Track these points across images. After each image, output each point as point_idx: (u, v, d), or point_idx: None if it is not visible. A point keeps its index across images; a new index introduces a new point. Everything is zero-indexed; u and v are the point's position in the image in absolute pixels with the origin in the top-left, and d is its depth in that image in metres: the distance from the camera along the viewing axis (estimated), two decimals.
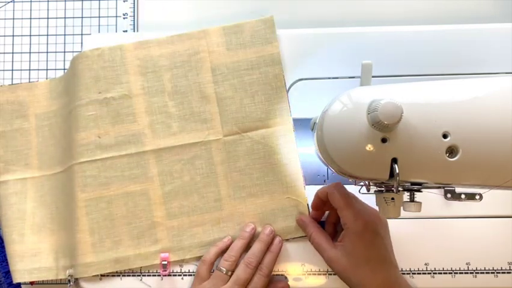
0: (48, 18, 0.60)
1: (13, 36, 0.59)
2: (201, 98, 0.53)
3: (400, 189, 0.38)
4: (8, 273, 0.55)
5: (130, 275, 0.52)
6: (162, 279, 0.52)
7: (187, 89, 0.53)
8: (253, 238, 0.51)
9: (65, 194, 0.53)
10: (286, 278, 0.51)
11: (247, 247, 0.51)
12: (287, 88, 0.54)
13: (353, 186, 0.48)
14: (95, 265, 0.51)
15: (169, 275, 0.52)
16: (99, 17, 0.59)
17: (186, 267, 0.52)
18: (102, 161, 0.52)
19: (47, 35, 0.59)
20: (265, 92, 0.53)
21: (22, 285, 0.56)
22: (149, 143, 0.53)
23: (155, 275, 0.52)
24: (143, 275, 0.52)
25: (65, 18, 0.59)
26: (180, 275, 0.52)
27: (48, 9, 0.60)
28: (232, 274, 0.48)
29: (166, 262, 0.51)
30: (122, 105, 0.53)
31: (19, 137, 0.55)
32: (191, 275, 0.52)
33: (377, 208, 0.41)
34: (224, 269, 0.48)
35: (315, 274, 0.52)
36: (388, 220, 0.51)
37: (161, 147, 0.52)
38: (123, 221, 0.52)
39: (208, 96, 0.53)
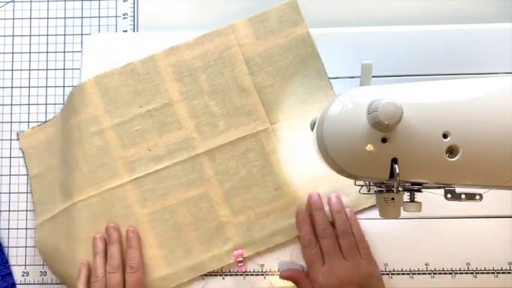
0: (48, 18, 0.60)
1: (13, 36, 0.59)
2: (241, 92, 0.53)
3: (400, 189, 0.38)
4: (5, 277, 0.55)
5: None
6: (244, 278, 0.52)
7: (225, 86, 0.53)
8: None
9: (106, 217, 0.52)
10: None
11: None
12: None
13: (353, 186, 0.48)
14: (171, 277, 0.51)
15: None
16: (99, 17, 0.59)
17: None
18: (157, 173, 0.52)
19: (47, 35, 0.59)
20: (303, 73, 0.53)
21: (18, 286, 0.56)
22: (200, 145, 0.53)
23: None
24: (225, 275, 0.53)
25: (65, 18, 0.59)
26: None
27: (48, 9, 0.60)
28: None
29: (241, 259, 0.51)
30: (166, 114, 0.53)
31: (49, 174, 0.55)
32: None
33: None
34: None
35: None
36: (388, 220, 0.51)
37: (212, 148, 0.53)
38: (190, 228, 0.52)
39: (248, 89, 0.53)
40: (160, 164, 0.53)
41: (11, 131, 0.58)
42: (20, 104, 0.59)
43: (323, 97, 0.53)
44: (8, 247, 0.57)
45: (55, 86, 0.59)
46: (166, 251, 0.52)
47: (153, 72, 0.53)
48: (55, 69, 0.59)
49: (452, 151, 0.34)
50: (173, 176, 0.52)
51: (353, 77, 0.53)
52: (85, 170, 0.53)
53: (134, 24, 0.59)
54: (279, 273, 0.52)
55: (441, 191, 0.37)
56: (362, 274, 0.47)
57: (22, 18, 0.59)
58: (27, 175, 0.57)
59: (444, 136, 0.33)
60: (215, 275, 0.53)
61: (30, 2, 0.60)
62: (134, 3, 0.59)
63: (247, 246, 0.52)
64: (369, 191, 0.42)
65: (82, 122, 0.53)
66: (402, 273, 0.51)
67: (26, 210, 0.57)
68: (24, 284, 0.56)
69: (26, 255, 0.56)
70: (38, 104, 0.58)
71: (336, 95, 0.37)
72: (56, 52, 0.59)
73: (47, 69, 0.59)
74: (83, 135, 0.53)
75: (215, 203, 0.52)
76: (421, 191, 0.39)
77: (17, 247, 0.57)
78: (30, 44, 0.59)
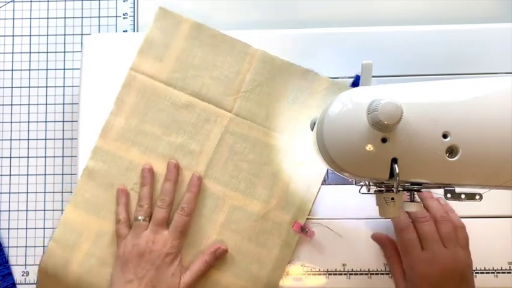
0: (48, 18, 0.60)
1: (13, 36, 0.59)
2: (186, 109, 0.53)
3: (400, 189, 0.38)
4: (5, 277, 0.55)
5: None
6: None
7: (168, 117, 0.53)
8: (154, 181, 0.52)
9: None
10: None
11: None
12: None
13: (353, 186, 0.48)
14: None
15: None
16: (99, 17, 0.59)
17: None
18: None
19: (47, 35, 0.59)
20: (217, 52, 0.53)
21: (18, 286, 0.56)
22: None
23: None
24: None
25: (65, 18, 0.59)
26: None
27: (48, 9, 0.60)
28: (149, 221, 0.50)
29: (306, 230, 0.51)
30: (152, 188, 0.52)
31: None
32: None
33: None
34: (140, 218, 0.49)
35: (315, 274, 0.52)
36: (388, 220, 0.51)
37: (204, 170, 0.52)
38: (244, 243, 0.51)
39: (188, 102, 0.53)
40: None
41: (11, 131, 0.58)
42: (20, 104, 0.59)
43: (249, 57, 0.53)
44: (8, 247, 0.57)
45: (55, 86, 0.59)
46: (245, 277, 0.51)
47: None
48: (55, 69, 0.59)
49: (452, 151, 0.34)
50: (197, 218, 0.52)
51: (353, 77, 0.53)
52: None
53: (134, 24, 0.59)
54: None
55: (441, 191, 0.37)
56: (462, 264, 0.46)
57: (22, 18, 0.59)
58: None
59: (444, 136, 0.33)
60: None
61: (30, 2, 0.60)
62: (134, 3, 0.59)
63: (298, 217, 0.51)
64: (369, 191, 0.42)
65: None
66: None
67: (26, 210, 0.57)
68: (24, 284, 0.56)
69: (26, 255, 0.57)
70: (38, 104, 0.58)
71: (336, 95, 0.37)
72: (56, 52, 0.59)
73: (47, 69, 0.59)
74: None
75: (246, 207, 0.52)
76: (421, 191, 0.39)
77: (17, 247, 0.57)
78: (30, 44, 0.59)
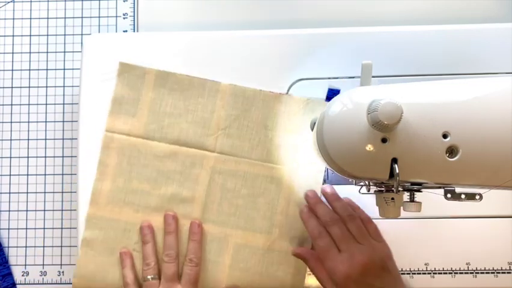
0: (48, 18, 0.60)
1: (13, 36, 0.59)
2: (170, 157, 0.52)
3: (400, 189, 0.38)
4: (5, 277, 0.55)
5: None
6: None
7: (155, 172, 0.52)
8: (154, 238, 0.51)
9: None
10: None
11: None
12: (288, 89, 0.54)
13: (353, 186, 0.48)
14: None
15: None
16: (99, 17, 0.59)
17: None
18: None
19: (47, 35, 0.59)
20: (187, 95, 0.53)
21: (18, 286, 0.56)
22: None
23: None
24: None
25: (65, 18, 0.59)
26: None
27: (48, 9, 0.60)
28: (159, 277, 0.49)
29: None
30: (141, 252, 0.51)
31: None
32: None
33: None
34: (150, 277, 0.49)
35: None
36: (388, 220, 0.51)
37: (201, 215, 0.52)
38: (255, 278, 0.51)
39: (170, 152, 0.52)
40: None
41: (11, 130, 0.58)
42: (20, 104, 0.59)
43: (215, 94, 0.53)
44: (8, 247, 0.57)
45: (55, 86, 0.59)
46: None
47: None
48: (55, 69, 0.59)
49: (452, 151, 0.34)
50: (204, 264, 0.51)
51: (353, 77, 0.53)
52: None
53: (134, 24, 0.59)
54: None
55: (441, 191, 0.37)
56: (380, 255, 0.46)
57: (22, 18, 0.60)
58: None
59: (444, 136, 0.34)
60: None
61: (30, 2, 0.60)
62: (134, 3, 0.59)
63: (303, 242, 0.51)
64: (369, 191, 0.42)
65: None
66: (403, 273, 0.51)
67: (26, 210, 0.57)
68: (24, 284, 0.56)
69: (26, 255, 0.57)
70: (38, 104, 0.59)
71: (336, 95, 0.37)
72: (56, 52, 0.59)
73: (47, 69, 0.59)
74: None
75: (250, 243, 0.51)
76: (421, 191, 0.39)
77: (17, 247, 0.57)
78: (30, 44, 0.59)
